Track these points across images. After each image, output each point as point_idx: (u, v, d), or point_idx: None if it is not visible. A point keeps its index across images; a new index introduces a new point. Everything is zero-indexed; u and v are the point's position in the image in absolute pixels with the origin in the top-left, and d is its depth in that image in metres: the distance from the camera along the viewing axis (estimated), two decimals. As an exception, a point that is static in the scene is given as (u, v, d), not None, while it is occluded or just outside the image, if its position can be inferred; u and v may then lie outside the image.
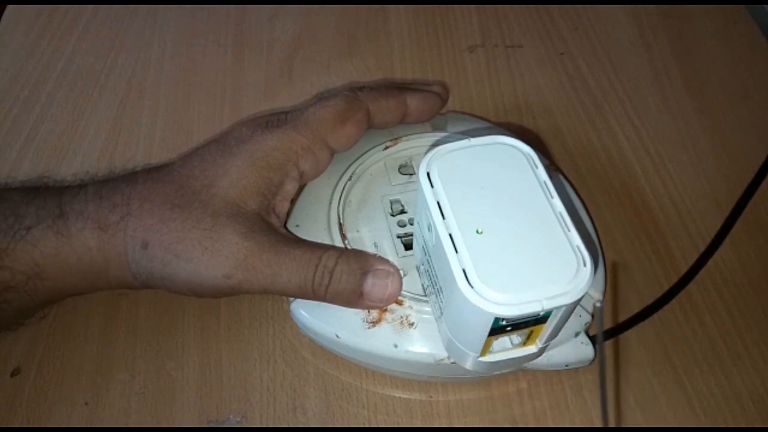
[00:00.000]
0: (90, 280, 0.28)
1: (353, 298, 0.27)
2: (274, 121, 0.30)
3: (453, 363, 0.27)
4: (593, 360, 0.29)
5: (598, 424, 0.29)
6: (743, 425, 0.29)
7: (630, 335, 0.32)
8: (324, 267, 0.27)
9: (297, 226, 0.31)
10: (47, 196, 0.28)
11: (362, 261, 0.27)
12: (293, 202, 0.32)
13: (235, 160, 0.29)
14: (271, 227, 0.28)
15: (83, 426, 0.29)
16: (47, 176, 0.37)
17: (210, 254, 0.27)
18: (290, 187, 0.30)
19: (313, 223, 0.31)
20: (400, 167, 0.33)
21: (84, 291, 0.30)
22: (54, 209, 0.28)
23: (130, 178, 0.29)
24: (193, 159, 0.30)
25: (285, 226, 0.31)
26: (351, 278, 0.27)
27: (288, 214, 0.32)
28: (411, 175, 0.33)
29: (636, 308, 0.32)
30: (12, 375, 0.30)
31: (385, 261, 0.28)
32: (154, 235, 0.27)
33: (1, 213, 0.27)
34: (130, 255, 0.28)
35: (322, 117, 0.30)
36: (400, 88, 0.33)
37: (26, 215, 0.27)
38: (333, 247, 0.28)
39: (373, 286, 0.27)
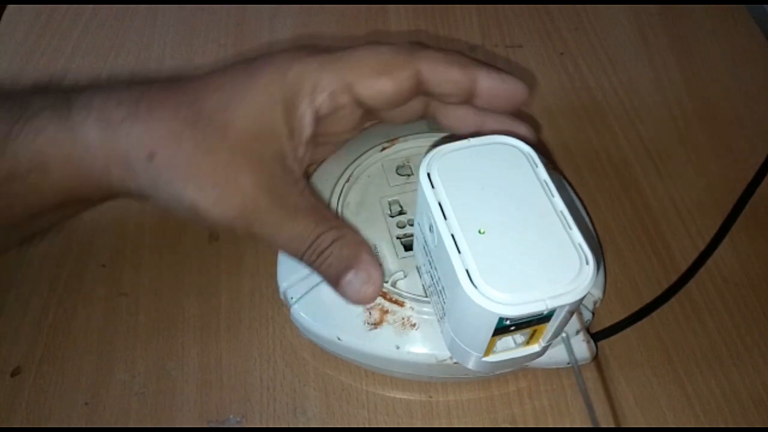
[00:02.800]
0: (94, 181, 0.27)
1: (332, 282, 0.27)
2: (309, 51, 0.28)
3: (455, 363, 0.27)
4: (594, 358, 0.29)
5: (598, 423, 0.29)
6: (743, 425, 0.29)
7: (630, 335, 0.32)
8: (317, 245, 0.26)
9: (297, 226, 0.31)
10: (57, 90, 0.27)
11: (353, 255, 0.26)
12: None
13: (254, 85, 0.27)
14: (286, 179, 0.27)
15: (83, 426, 0.29)
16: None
17: (218, 192, 0.26)
18: (307, 131, 0.28)
19: (314, 224, 0.31)
20: (398, 168, 0.33)
21: (91, 196, 0.28)
22: (61, 100, 0.26)
23: (147, 82, 0.28)
24: (216, 72, 0.28)
25: (307, 176, 0.28)
26: (334, 267, 0.26)
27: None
28: (409, 176, 0.33)
29: (636, 307, 0.32)
30: (12, 375, 0.30)
31: (374, 265, 0.27)
32: (162, 149, 0.26)
33: (7, 103, 0.26)
34: (134, 163, 0.26)
35: (358, 60, 0.27)
36: (473, 60, 0.28)
37: (32, 104, 0.26)
38: (335, 227, 0.27)
39: (348, 283, 0.26)
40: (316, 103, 0.27)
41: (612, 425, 0.29)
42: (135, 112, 0.26)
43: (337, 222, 0.27)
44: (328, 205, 0.31)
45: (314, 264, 0.27)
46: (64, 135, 0.26)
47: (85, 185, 0.27)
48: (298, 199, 0.27)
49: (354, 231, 0.27)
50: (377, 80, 0.27)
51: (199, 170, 0.26)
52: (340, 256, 0.26)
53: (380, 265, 0.27)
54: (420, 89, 0.27)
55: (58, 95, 0.27)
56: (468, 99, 0.28)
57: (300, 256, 0.27)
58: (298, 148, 0.28)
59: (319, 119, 0.28)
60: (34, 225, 0.29)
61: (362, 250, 0.27)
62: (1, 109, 0.26)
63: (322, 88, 0.27)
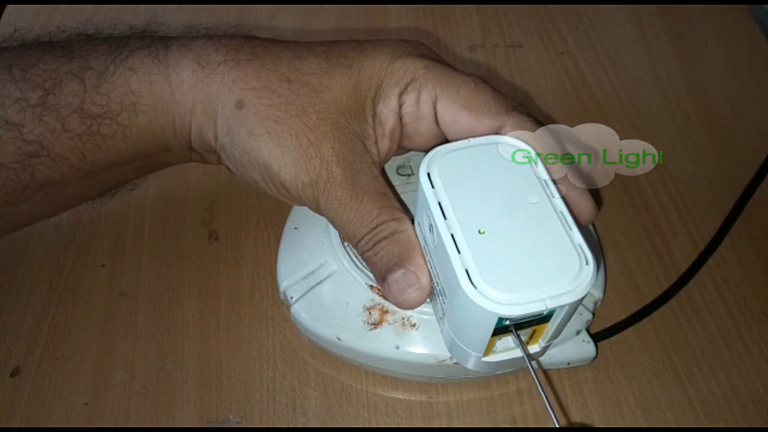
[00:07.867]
0: (176, 126, 0.27)
1: (378, 277, 0.26)
2: (423, 50, 0.28)
3: (455, 363, 0.27)
4: (595, 358, 0.29)
5: (598, 423, 0.29)
6: (743, 425, 0.29)
7: (630, 335, 0.32)
8: (375, 234, 0.26)
9: (296, 228, 0.31)
10: (156, 35, 0.28)
11: (406, 253, 0.25)
12: (291, 208, 0.32)
13: (361, 62, 0.27)
14: (364, 159, 0.27)
15: (83, 426, 0.29)
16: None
17: (299, 156, 0.25)
18: (390, 123, 0.28)
19: (312, 226, 0.31)
20: (398, 168, 0.33)
21: (170, 147, 0.28)
22: (160, 41, 0.27)
23: (252, 35, 0.28)
24: (325, 42, 0.28)
25: (381, 168, 0.28)
26: (384, 261, 0.25)
27: (287, 216, 0.32)
28: (409, 175, 0.33)
29: (636, 308, 0.32)
30: (12, 375, 0.30)
31: (424, 271, 0.25)
32: (253, 99, 0.26)
33: (106, 43, 0.27)
34: (220, 108, 0.26)
35: (458, 84, 0.27)
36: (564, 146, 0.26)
37: (131, 43, 0.27)
38: (398, 219, 0.26)
39: (394, 282, 0.25)
40: (402, 100, 0.27)
41: (612, 425, 0.29)
42: (235, 57, 0.26)
43: (403, 216, 0.26)
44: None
45: (366, 254, 0.26)
46: (157, 74, 0.26)
47: (167, 131, 0.27)
48: (370, 182, 0.26)
49: (415, 231, 0.26)
50: (459, 110, 0.27)
51: (285, 128, 0.26)
52: (393, 251, 0.25)
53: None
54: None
55: (157, 37, 0.27)
56: None
57: (355, 242, 0.26)
58: (380, 135, 0.28)
59: (402, 116, 0.28)
60: (108, 178, 0.29)
61: (417, 251, 0.26)
62: (100, 47, 0.26)
63: (414, 87, 0.27)
